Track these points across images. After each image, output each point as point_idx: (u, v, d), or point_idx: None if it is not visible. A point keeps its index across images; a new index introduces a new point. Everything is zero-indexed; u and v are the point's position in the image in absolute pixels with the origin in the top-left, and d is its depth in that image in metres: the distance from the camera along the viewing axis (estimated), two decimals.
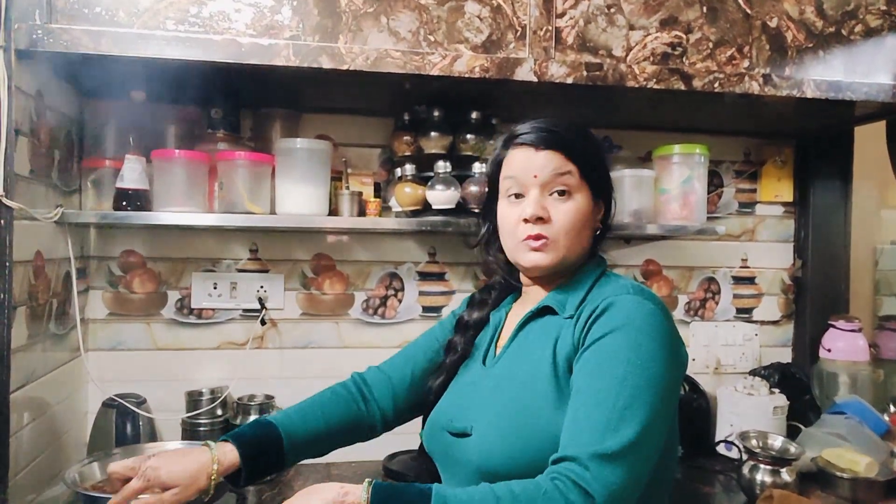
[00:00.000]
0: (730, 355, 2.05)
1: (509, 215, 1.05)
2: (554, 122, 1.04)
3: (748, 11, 1.56)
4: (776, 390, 1.83)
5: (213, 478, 0.99)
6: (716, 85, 1.54)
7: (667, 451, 0.95)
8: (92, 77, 1.48)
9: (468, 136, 1.65)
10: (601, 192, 1.07)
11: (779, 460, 1.53)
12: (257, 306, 1.78)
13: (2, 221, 1.20)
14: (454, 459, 1.04)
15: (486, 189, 1.15)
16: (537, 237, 1.01)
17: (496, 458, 0.95)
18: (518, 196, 1.04)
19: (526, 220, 1.01)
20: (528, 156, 1.02)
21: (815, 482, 1.60)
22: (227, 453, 1.02)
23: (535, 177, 1.01)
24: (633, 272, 2.00)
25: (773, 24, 1.57)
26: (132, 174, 1.49)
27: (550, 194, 1.01)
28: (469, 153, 1.65)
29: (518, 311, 1.13)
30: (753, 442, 1.61)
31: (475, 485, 0.87)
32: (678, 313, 2.04)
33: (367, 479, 0.87)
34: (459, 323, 1.20)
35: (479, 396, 1.05)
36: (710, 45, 1.55)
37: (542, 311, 1.05)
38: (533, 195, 1.01)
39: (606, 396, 0.86)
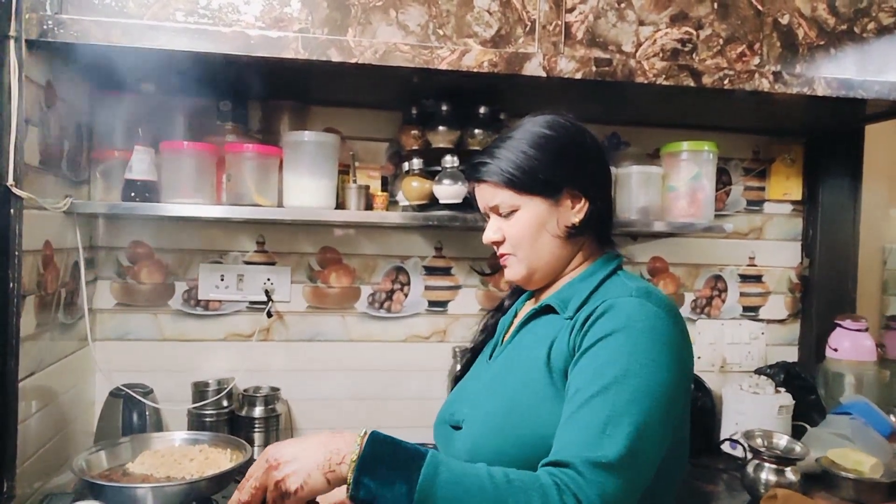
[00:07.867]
0: (736, 354, 2.05)
1: None
2: (492, 147, 1.06)
3: (759, 8, 1.55)
4: (782, 389, 1.83)
5: None
6: (726, 82, 1.53)
7: (673, 454, 0.93)
8: (102, 68, 1.48)
9: (476, 130, 1.65)
10: (559, 189, 1.02)
11: (783, 460, 1.52)
12: (264, 298, 1.78)
13: (11, 211, 1.21)
14: (449, 452, 1.04)
15: None
16: (501, 255, 1.08)
17: (483, 454, 0.93)
18: (488, 217, 1.11)
19: None
20: (475, 188, 1.10)
21: (819, 482, 1.60)
22: None
23: (483, 207, 1.09)
24: (640, 269, 2.00)
25: (784, 20, 1.56)
26: (141, 165, 1.50)
27: (500, 215, 1.06)
28: (477, 148, 1.64)
29: (528, 306, 1.13)
30: (758, 441, 1.60)
31: None
32: (684, 311, 2.03)
33: (363, 430, 0.83)
34: (499, 305, 1.24)
35: (476, 390, 1.05)
36: (721, 41, 1.54)
37: (545, 310, 1.04)
38: (490, 221, 1.09)
39: (602, 401, 0.83)
